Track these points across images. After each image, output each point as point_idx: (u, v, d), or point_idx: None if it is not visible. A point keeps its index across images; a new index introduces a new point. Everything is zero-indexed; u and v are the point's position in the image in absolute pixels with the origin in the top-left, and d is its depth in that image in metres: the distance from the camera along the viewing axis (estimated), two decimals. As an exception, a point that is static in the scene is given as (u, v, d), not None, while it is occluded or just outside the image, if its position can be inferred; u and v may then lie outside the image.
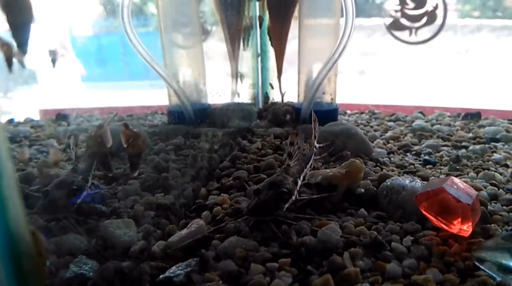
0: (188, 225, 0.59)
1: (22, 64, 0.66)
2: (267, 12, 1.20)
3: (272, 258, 0.51)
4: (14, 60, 0.61)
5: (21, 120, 1.30)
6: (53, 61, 0.76)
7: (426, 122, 1.24)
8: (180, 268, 0.49)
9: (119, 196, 0.70)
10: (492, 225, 0.59)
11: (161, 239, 0.57)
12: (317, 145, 0.81)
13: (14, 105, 1.20)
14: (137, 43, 1.04)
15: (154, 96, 1.41)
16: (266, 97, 1.37)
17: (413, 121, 1.25)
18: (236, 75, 1.20)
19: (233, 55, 1.18)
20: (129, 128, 0.71)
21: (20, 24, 0.64)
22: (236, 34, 1.16)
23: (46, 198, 0.59)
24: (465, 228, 0.55)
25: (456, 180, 0.60)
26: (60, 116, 1.31)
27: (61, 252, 0.52)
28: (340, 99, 1.23)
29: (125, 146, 0.71)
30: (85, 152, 0.75)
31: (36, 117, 1.35)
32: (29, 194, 0.66)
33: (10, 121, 1.27)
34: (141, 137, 0.71)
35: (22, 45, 0.65)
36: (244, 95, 1.29)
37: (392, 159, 0.91)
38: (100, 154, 0.74)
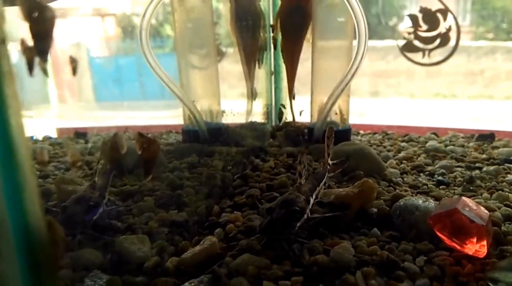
0: (201, 242, 0.59)
1: (45, 72, 0.68)
2: (280, 34, 1.22)
3: (284, 276, 0.51)
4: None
5: (40, 138, 1.33)
6: (74, 69, 0.76)
7: (440, 143, 1.23)
8: (192, 284, 0.50)
9: (134, 213, 0.72)
10: (508, 247, 0.59)
11: (174, 255, 0.58)
12: (331, 162, 0.81)
13: (34, 122, 1.23)
14: (155, 64, 1.07)
15: (169, 115, 1.43)
16: (279, 116, 1.39)
17: (426, 142, 1.24)
18: (251, 95, 1.22)
19: (249, 76, 1.20)
20: (143, 136, 0.72)
21: (43, 33, 0.66)
22: (251, 55, 1.18)
23: (64, 213, 0.60)
24: (480, 249, 0.55)
25: (468, 200, 0.60)
26: (78, 134, 1.34)
27: (77, 267, 0.53)
28: (353, 120, 1.23)
29: (139, 152, 0.72)
30: (102, 168, 0.77)
31: (54, 135, 1.38)
32: (47, 209, 0.67)
33: (30, 138, 1.30)
34: (155, 142, 0.72)
35: (43, 54, 0.67)
36: (258, 115, 1.31)
37: (405, 179, 0.91)
38: (114, 159, 0.76)
